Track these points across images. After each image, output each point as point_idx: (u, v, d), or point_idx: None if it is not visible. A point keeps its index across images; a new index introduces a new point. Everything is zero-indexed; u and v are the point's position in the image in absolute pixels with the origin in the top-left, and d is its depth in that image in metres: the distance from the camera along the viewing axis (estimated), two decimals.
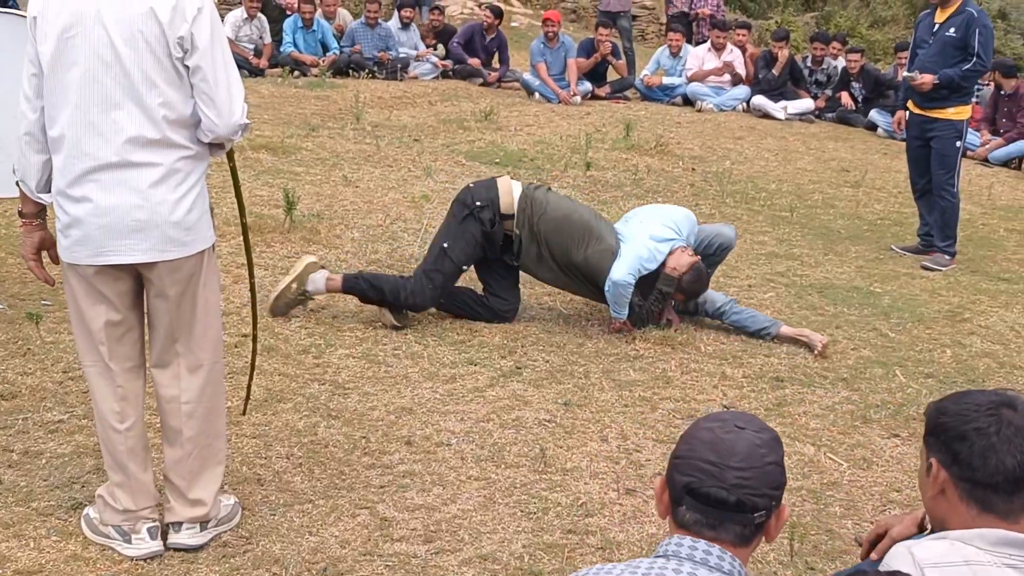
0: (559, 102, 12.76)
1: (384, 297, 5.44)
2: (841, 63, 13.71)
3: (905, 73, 7.68)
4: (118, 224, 3.24)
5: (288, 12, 13.97)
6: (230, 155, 3.60)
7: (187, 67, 3.24)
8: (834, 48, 13.76)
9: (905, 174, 9.97)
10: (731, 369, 5.32)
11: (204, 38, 3.23)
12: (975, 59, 7.31)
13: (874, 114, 12.78)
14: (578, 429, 4.52)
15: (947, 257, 7.59)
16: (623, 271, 5.37)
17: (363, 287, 5.46)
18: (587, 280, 5.55)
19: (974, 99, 8.23)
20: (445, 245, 5.46)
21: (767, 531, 2.05)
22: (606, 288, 5.43)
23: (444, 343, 5.33)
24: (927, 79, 7.36)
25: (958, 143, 7.58)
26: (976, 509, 2.15)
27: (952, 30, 7.38)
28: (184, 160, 3.32)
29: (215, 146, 3.43)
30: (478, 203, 5.45)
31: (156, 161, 3.26)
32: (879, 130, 12.58)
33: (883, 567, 2.11)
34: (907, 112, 7.82)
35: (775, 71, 13.09)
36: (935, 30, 7.49)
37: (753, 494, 1.98)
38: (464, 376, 4.97)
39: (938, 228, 7.67)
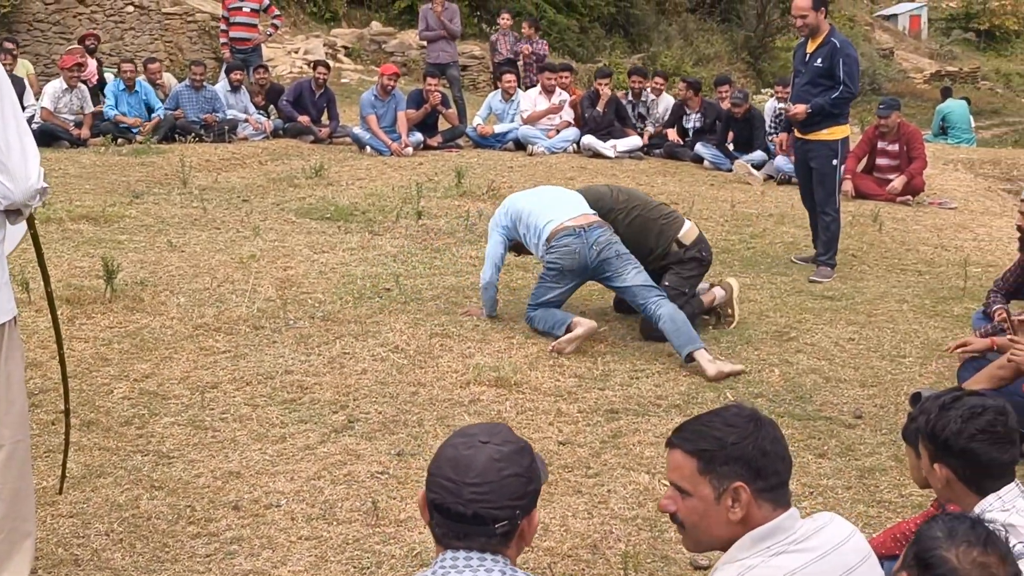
0: (391, 154, 12.73)
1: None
2: (667, 99, 14.07)
3: (781, 105, 8.08)
4: None
5: (88, 83, 13.79)
6: (30, 221, 3.47)
7: None
8: (656, 83, 14.17)
9: (731, 202, 10.36)
10: (566, 405, 5.33)
11: None
12: (842, 87, 7.78)
13: (700, 147, 13.09)
14: (411, 479, 4.44)
15: (829, 268, 8.11)
16: None
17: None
18: None
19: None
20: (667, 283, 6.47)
21: (521, 536, 2.20)
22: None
23: (274, 403, 5.20)
24: (799, 109, 7.86)
25: (834, 162, 8.04)
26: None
27: (820, 60, 7.83)
28: None
29: (12, 213, 3.30)
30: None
31: None
32: (705, 162, 12.91)
33: None
34: (792, 135, 8.38)
35: (600, 108, 13.32)
36: (807, 59, 7.97)
37: (490, 507, 2.12)
38: (295, 435, 4.86)
39: (823, 243, 8.19)
